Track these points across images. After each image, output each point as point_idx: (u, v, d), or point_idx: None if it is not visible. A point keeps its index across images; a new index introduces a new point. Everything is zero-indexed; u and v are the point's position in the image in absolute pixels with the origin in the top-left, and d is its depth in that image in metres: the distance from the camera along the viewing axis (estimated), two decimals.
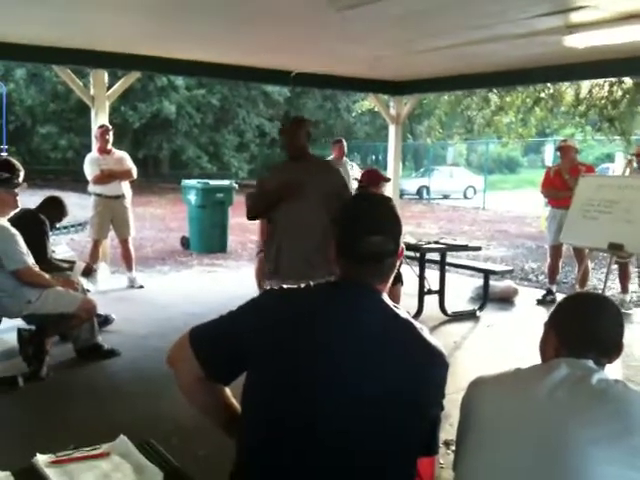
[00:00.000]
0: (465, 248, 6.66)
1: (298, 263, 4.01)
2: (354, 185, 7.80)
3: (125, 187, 7.01)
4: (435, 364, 1.58)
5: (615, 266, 6.82)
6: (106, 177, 6.81)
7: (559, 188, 6.76)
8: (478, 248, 6.90)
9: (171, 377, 1.68)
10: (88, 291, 4.92)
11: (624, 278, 7.08)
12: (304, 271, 3.92)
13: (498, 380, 1.58)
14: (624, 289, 7.09)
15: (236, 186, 10.41)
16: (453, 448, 3.24)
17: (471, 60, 6.87)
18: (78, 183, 17.67)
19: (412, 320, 1.62)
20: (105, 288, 6.61)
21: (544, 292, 7.18)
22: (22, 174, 5.00)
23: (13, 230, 4.22)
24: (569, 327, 1.61)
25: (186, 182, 10.48)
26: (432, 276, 6.43)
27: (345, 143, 8.78)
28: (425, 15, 5.01)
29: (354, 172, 8.57)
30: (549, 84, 11.31)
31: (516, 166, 38.15)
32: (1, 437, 3.53)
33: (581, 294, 2.50)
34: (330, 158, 8.36)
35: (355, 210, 1.70)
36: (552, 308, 1.75)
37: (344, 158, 8.64)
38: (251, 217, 4.48)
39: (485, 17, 4.90)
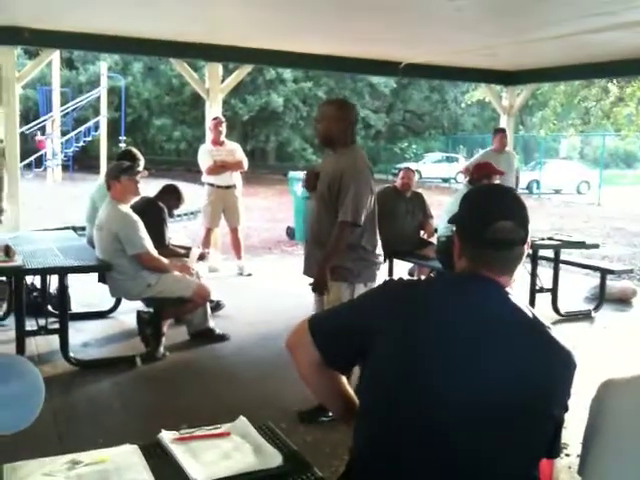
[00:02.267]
0: (581, 245, 6.36)
1: (306, 261, 3.94)
2: (511, 178, 7.53)
3: (236, 177, 7.20)
4: (564, 363, 1.52)
5: None
6: (219, 168, 7.01)
7: None
8: (595, 245, 6.57)
9: (278, 363, 1.72)
10: (202, 277, 5.09)
11: None
12: (307, 268, 3.84)
13: (633, 382, 1.49)
14: None
15: None
16: (566, 452, 3.14)
17: (591, 49, 6.54)
18: (190, 173, 18.39)
19: (539, 317, 1.56)
20: (216, 274, 6.85)
21: None
22: (142, 163, 5.26)
23: (135, 217, 4.43)
24: None
25: (292, 173, 10.64)
26: (545, 274, 6.20)
27: (507, 133, 8.02)
28: (543, 2, 4.81)
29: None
30: None
31: (634, 161, 36.09)
32: (122, 413, 3.73)
33: None
34: (489, 149, 7.98)
35: (482, 197, 1.66)
36: None
37: (507, 149, 7.88)
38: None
39: (610, 4, 4.64)
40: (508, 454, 1.49)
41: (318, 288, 3.65)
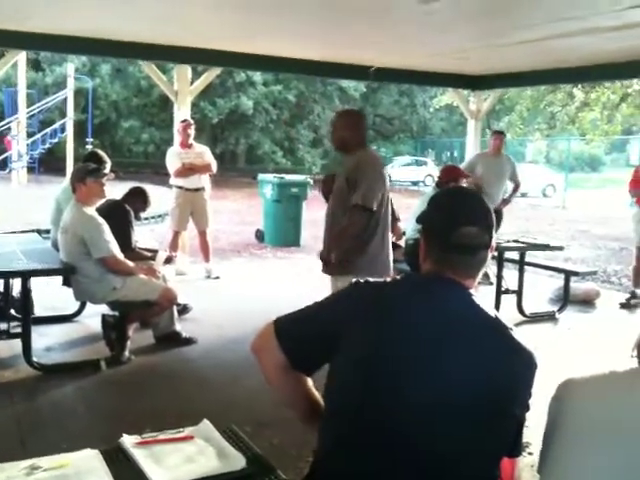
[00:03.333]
0: (546, 247, 6.45)
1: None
2: (501, 184, 7.53)
3: (205, 180, 7.17)
4: (525, 364, 1.54)
5: None
6: (187, 170, 6.97)
7: None
8: (560, 248, 6.68)
9: (245, 365, 1.72)
10: (168, 280, 5.05)
11: None
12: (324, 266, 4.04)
13: (592, 382, 1.52)
14: None
15: (311, 181, 10.48)
16: (529, 450, 3.18)
17: (558, 54, 6.65)
18: (158, 176, 18.23)
19: (501, 319, 1.58)
20: (183, 278, 6.80)
21: (628, 295, 6.87)
22: (109, 165, 5.20)
23: (100, 219, 4.39)
24: None
25: (262, 177, 10.64)
26: (510, 276, 6.28)
27: (504, 136, 7.82)
28: (512, 6, 4.88)
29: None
30: (637, 79, 10.84)
31: (599, 165, 36.76)
32: (86, 417, 3.69)
33: None
34: (483, 152, 7.98)
35: (449, 201, 1.68)
36: (638, 312, 1.67)
37: (502, 153, 7.74)
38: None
39: (576, 8, 4.73)
40: (472, 455, 1.51)
41: (323, 265, 4.01)
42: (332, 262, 3.85)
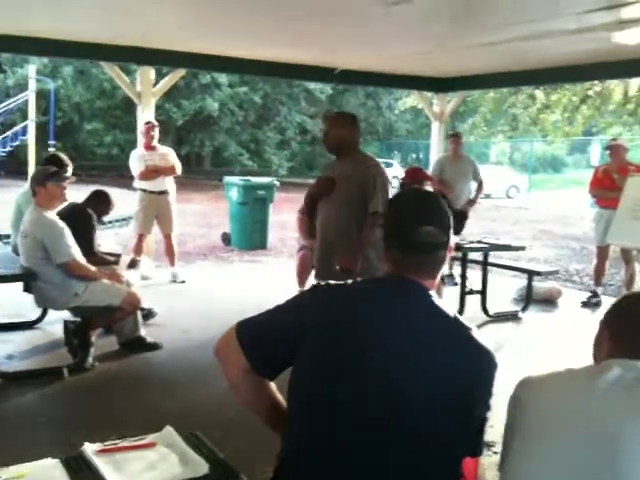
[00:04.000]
0: (508, 248, 6.56)
1: (323, 263, 4.07)
2: (466, 185, 7.63)
3: (169, 183, 7.11)
4: (485, 364, 1.56)
5: None
6: (151, 173, 6.91)
7: (607, 188, 6.59)
8: (522, 248, 6.79)
9: (211, 370, 1.70)
10: (132, 284, 5.00)
11: None
12: (325, 271, 3.98)
13: (548, 380, 1.55)
14: None
15: (277, 183, 10.47)
16: (494, 449, 3.22)
17: (519, 56, 6.76)
18: (122, 179, 18.01)
19: (461, 318, 1.60)
20: (148, 282, 6.73)
21: (589, 294, 7.01)
22: (70, 169, 5.12)
23: (61, 224, 4.31)
24: (623, 328, 1.57)
25: (228, 179, 10.58)
26: (474, 276, 6.35)
27: (459, 138, 7.94)
28: (474, 10, 4.94)
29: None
30: (597, 82, 11.07)
31: (561, 165, 37.39)
32: (48, 426, 3.62)
33: (637, 293, 2.42)
34: (445, 155, 8.03)
35: (406, 202, 1.71)
36: (598, 310, 1.71)
37: (464, 155, 7.98)
38: (306, 215, 4.57)
39: (535, 12, 4.82)
40: (434, 455, 1.52)
41: (350, 274, 3.92)
42: (357, 269, 3.83)
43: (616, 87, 11.85)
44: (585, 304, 6.82)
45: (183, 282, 7.23)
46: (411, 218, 1.62)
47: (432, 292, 1.62)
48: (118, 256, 5.19)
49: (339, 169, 4.08)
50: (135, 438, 1.74)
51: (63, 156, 5.34)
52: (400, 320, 1.55)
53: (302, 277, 6.17)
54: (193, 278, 7.50)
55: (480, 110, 13.58)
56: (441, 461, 1.54)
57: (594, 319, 1.66)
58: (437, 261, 1.63)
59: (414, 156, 29.57)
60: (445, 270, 7.07)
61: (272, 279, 7.59)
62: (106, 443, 1.71)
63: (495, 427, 1.65)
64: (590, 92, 12.01)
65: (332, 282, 1.68)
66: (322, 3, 4.89)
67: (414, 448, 1.50)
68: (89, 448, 1.68)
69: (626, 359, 1.51)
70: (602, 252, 6.89)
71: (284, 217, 12.64)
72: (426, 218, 1.61)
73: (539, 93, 12.61)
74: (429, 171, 7.58)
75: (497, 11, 4.95)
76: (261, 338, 1.63)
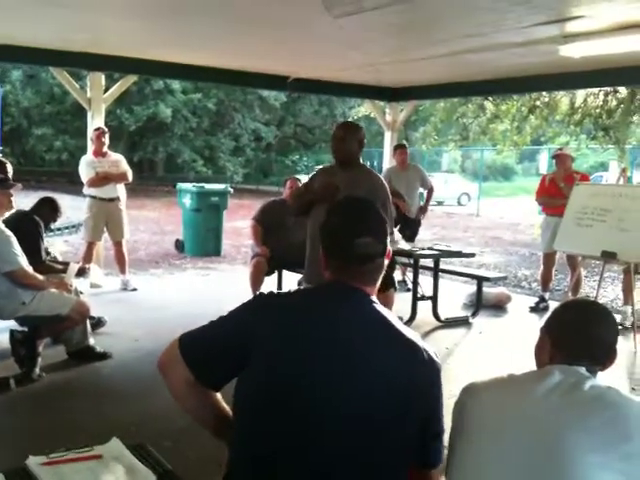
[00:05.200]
0: (459, 254, 6.67)
1: (315, 271, 4.04)
2: (415, 194, 7.72)
3: (120, 190, 7.01)
4: (427, 367, 1.58)
5: (614, 274, 6.78)
6: (101, 180, 6.80)
7: (554, 196, 6.77)
8: (472, 255, 6.92)
9: (163, 381, 1.68)
10: (81, 293, 4.91)
11: (627, 289, 6.44)
12: (315, 276, 3.98)
13: (491, 386, 1.59)
14: (626, 300, 6.49)
15: (231, 190, 10.43)
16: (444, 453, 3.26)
17: (467, 68, 6.91)
18: (72, 185, 17.68)
19: (402, 325, 1.63)
20: (98, 290, 6.61)
21: (537, 299, 7.18)
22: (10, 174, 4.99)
23: (7, 232, 4.21)
24: (563, 333, 1.62)
25: (181, 185, 10.49)
26: (426, 282, 6.44)
27: (406, 149, 7.99)
28: (421, 23, 5.04)
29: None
30: (544, 93, 11.36)
31: (510, 173, 38.23)
32: None
33: (576, 301, 2.50)
34: (392, 167, 8.08)
35: (342, 214, 1.73)
36: (546, 314, 1.76)
37: (412, 164, 8.10)
38: (295, 214, 4.58)
39: (481, 26, 4.94)
40: (382, 465, 1.53)
41: None
42: None
43: (563, 98, 12.19)
44: (533, 309, 6.98)
45: (134, 290, 7.13)
46: (347, 230, 1.65)
47: (373, 298, 1.66)
48: (66, 264, 5.10)
49: (344, 177, 4.04)
50: (81, 450, 1.71)
51: (5, 161, 5.21)
52: (343, 327, 1.57)
53: (255, 284, 6.16)
54: (145, 286, 7.41)
55: (431, 119, 13.78)
56: (390, 469, 1.55)
57: (542, 324, 1.71)
58: (375, 269, 1.67)
59: (368, 163, 29.75)
60: (397, 276, 7.16)
61: (226, 286, 7.55)
62: (51, 455, 1.69)
63: (445, 432, 1.67)
64: (538, 102, 12.30)
65: (275, 291, 1.71)
66: (272, 16, 4.92)
67: (362, 460, 1.51)
68: (33, 461, 1.65)
69: (566, 365, 1.56)
70: (549, 258, 7.06)
71: (238, 224, 12.59)
72: (361, 229, 1.64)
73: (488, 103, 12.87)
74: None
75: (443, 25, 5.06)
76: (204, 350, 1.62)
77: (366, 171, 4.25)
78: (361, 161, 4.25)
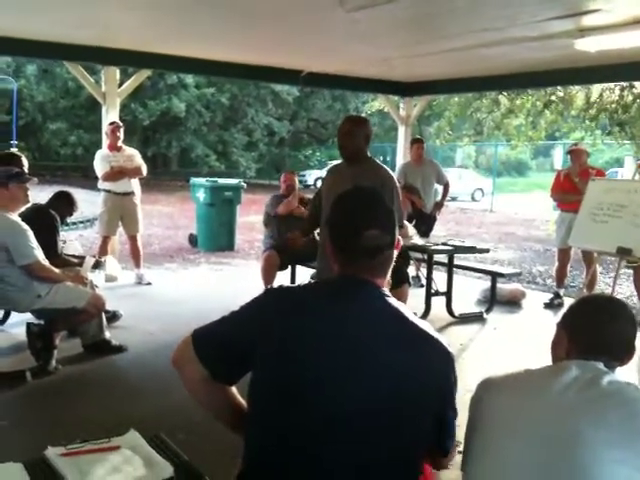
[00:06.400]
0: (473, 250, 6.65)
1: (325, 266, 4.05)
2: (430, 190, 7.67)
3: (134, 184, 7.05)
4: (440, 357, 1.57)
5: (630, 271, 6.73)
6: (116, 174, 6.84)
7: (569, 191, 6.72)
8: (486, 250, 6.89)
9: (177, 373, 1.69)
10: (97, 287, 4.95)
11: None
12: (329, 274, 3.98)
13: (508, 380, 1.59)
14: None
15: (244, 185, 10.45)
16: (460, 449, 3.27)
17: (482, 62, 6.87)
18: (87, 179, 17.79)
19: (413, 315, 1.62)
20: (113, 284, 6.66)
21: (551, 295, 7.15)
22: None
23: (24, 225, 4.24)
24: (581, 329, 1.61)
25: (195, 180, 10.53)
26: (440, 278, 6.43)
27: (423, 143, 7.84)
28: (435, 17, 5.01)
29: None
30: (560, 87, 11.27)
31: (525, 169, 38.02)
32: (11, 430, 3.56)
33: (594, 296, 2.49)
34: (408, 161, 8.04)
35: (349, 206, 1.71)
36: (561, 311, 1.75)
37: (428, 159, 7.99)
38: (304, 235, 4.59)
39: (496, 20, 4.91)
40: (395, 458, 1.53)
41: None
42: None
43: (578, 93, 12.10)
44: (548, 305, 6.95)
45: (149, 284, 7.17)
46: (355, 222, 1.63)
47: (385, 290, 1.65)
48: (82, 258, 5.13)
49: (351, 173, 4.00)
50: (99, 441, 1.73)
51: (21, 155, 5.23)
52: (355, 320, 1.56)
53: (268, 279, 6.17)
54: (159, 280, 7.45)
55: (445, 114, 13.71)
56: (404, 461, 1.56)
57: (556, 320, 1.71)
58: (385, 260, 1.65)
59: (381, 159, 29.75)
60: (411, 272, 7.15)
61: (239, 281, 7.58)
62: (69, 446, 1.70)
63: (461, 427, 1.67)
64: (553, 97, 12.22)
65: (285, 285, 1.70)
66: (287, 9, 4.91)
67: (375, 453, 1.51)
68: (52, 452, 1.67)
69: (583, 360, 1.56)
70: (564, 254, 7.02)
71: (251, 219, 12.61)
72: (369, 221, 1.62)
73: (503, 98, 12.80)
74: (395, 175, 7.64)
75: (458, 19, 5.03)
76: (217, 346, 1.63)
77: (374, 165, 4.17)
78: (369, 155, 4.19)
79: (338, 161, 4.47)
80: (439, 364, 1.57)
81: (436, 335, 1.60)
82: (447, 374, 1.58)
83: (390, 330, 1.57)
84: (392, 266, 1.69)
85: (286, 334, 1.55)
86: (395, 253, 1.68)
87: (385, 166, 4.22)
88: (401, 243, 1.72)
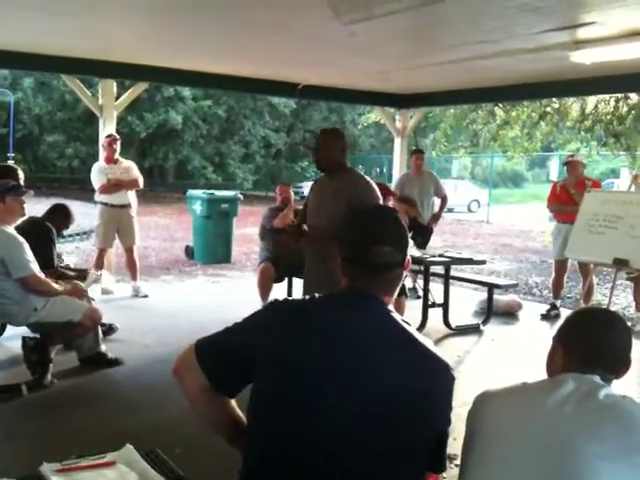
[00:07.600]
0: (469, 262, 6.65)
1: (311, 286, 4.05)
2: (428, 201, 7.67)
3: (131, 196, 7.05)
4: (443, 377, 1.58)
5: (627, 282, 6.74)
6: (113, 186, 6.84)
7: (565, 203, 6.74)
8: (482, 262, 6.89)
9: (174, 386, 1.69)
10: (93, 300, 4.93)
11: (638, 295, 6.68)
12: (315, 282, 3.98)
13: (505, 394, 1.58)
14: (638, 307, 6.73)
15: (241, 197, 10.45)
16: (456, 462, 3.25)
17: (477, 74, 6.90)
18: (83, 192, 17.80)
19: (418, 333, 1.63)
20: (109, 297, 6.64)
21: (548, 307, 7.15)
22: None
23: (20, 238, 4.24)
24: (576, 342, 1.61)
25: (191, 192, 10.53)
26: (436, 289, 6.43)
27: (422, 154, 7.95)
28: (432, 30, 5.04)
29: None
30: (555, 99, 11.34)
31: (521, 180, 38.15)
32: (6, 445, 3.53)
33: (590, 309, 2.49)
34: (407, 172, 8.07)
35: (363, 221, 1.71)
36: (557, 323, 1.75)
37: (426, 171, 8.01)
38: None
39: (492, 32, 4.93)
40: (395, 468, 1.53)
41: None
42: None
43: (573, 104, 12.17)
44: (544, 316, 6.95)
45: (145, 296, 7.15)
46: (366, 238, 1.63)
47: (390, 307, 1.65)
48: (83, 271, 5.12)
49: (331, 184, 4.05)
50: (94, 457, 1.72)
51: (17, 167, 5.23)
52: (358, 336, 1.56)
53: (264, 291, 6.17)
54: (156, 292, 7.43)
55: (441, 126, 13.76)
56: (403, 474, 1.55)
57: (553, 331, 1.71)
58: (392, 278, 1.65)
59: (378, 170, 29.82)
60: (408, 283, 7.14)
61: (236, 293, 7.56)
62: (65, 462, 1.69)
63: (457, 440, 1.67)
64: (548, 109, 12.29)
65: (290, 298, 1.71)
66: (284, 22, 4.93)
67: (377, 461, 1.51)
68: (47, 468, 1.65)
69: (579, 373, 1.55)
70: (560, 266, 7.03)
71: (248, 231, 12.61)
72: (381, 238, 1.62)
73: (498, 110, 12.87)
74: (392, 186, 7.66)
75: (454, 31, 5.05)
76: (219, 356, 1.62)
77: (354, 175, 4.12)
78: (348, 165, 4.16)
79: None
80: (444, 381, 1.58)
81: (440, 354, 1.60)
82: (449, 391, 1.58)
83: (393, 341, 1.57)
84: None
85: (288, 342, 1.55)
86: (405, 273, 1.68)
87: (367, 177, 4.18)
88: (410, 263, 1.71)
